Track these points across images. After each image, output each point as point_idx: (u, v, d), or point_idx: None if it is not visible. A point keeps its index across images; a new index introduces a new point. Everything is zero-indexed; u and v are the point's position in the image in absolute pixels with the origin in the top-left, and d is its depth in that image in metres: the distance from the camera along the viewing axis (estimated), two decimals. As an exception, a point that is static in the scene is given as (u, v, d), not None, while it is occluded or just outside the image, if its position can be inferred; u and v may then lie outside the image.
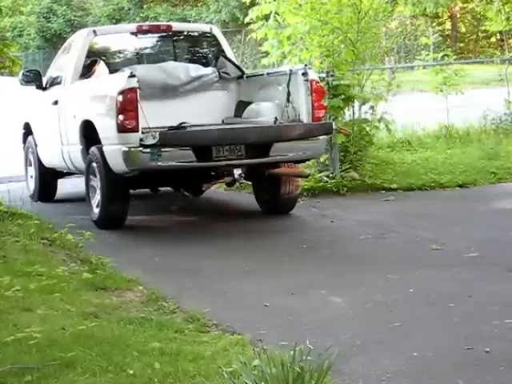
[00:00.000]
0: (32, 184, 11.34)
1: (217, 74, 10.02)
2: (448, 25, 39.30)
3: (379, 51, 13.03)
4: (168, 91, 9.69)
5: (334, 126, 9.23)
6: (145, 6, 44.25)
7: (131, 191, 9.04)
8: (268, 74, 9.89)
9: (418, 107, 16.07)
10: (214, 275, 6.93)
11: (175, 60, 10.25)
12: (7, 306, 5.53)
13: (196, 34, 10.77)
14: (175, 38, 10.53)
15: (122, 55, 10.41)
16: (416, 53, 28.41)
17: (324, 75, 10.68)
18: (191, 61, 10.32)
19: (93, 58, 9.77)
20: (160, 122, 8.66)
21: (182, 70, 9.85)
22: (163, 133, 8.28)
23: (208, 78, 9.95)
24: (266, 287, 6.47)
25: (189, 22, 36.26)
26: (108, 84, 8.92)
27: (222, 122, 9.83)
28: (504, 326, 5.22)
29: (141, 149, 8.21)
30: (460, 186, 10.71)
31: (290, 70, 9.15)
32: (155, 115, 8.59)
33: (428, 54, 16.19)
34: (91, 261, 7.03)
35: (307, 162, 9.79)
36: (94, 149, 8.85)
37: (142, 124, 8.27)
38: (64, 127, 9.82)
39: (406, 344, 4.97)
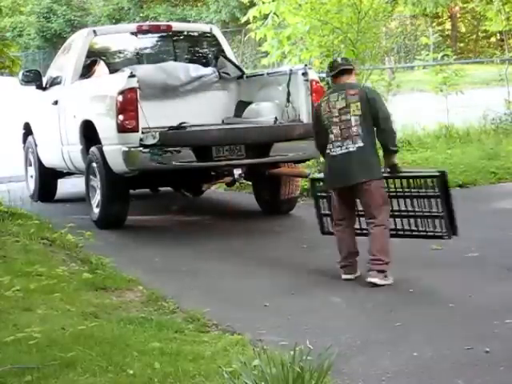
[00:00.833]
0: (32, 184, 11.34)
1: (217, 74, 10.01)
2: (448, 25, 39.28)
3: (379, 51, 13.01)
4: (168, 91, 9.69)
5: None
6: (145, 6, 44.24)
7: (131, 191, 9.04)
8: (268, 74, 9.89)
9: (418, 107, 16.05)
10: (214, 275, 6.93)
11: (175, 60, 10.24)
12: (7, 305, 5.53)
13: (196, 34, 10.77)
14: (175, 38, 10.53)
15: (122, 55, 10.40)
16: (416, 53, 28.38)
17: (324, 75, 10.67)
18: (191, 61, 10.31)
19: (93, 58, 9.76)
20: (160, 122, 8.66)
21: (182, 70, 9.85)
22: (163, 133, 8.29)
23: (208, 78, 9.95)
24: (266, 287, 6.48)
25: (189, 22, 36.22)
26: (108, 84, 8.92)
27: (222, 122, 9.83)
28: (504, 326, 5.22)
29: (141, 149, 8.21)
30: (460, 185, 10.70)
31: (290, 70, 9.15)
32: (155, 115, 8.59)
33: (428, 54, 16.19)
34: (91, 261, 7.03)
35: (307, 162, 9.79)
36: (94, 149, 8.85)
37: (141, 124, 8.27)
38: (64, 127, 9.82)
39: (406, 344, 4.97)
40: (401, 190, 6.83)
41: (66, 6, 46.72)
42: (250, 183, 10.12)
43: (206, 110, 9.82)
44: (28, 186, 11.47)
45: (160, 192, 10.06)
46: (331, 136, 6.52)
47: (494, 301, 5.82)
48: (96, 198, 8.96)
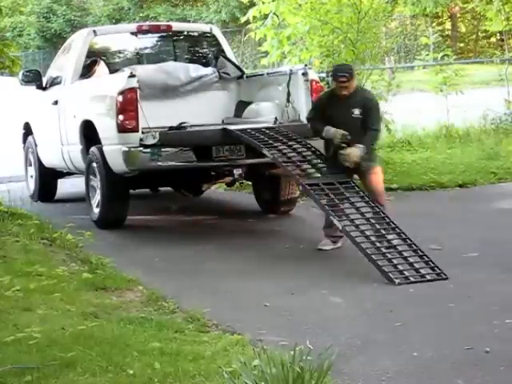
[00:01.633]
0: (32, 184, 11.33)
1: (217, 74, 10.01)
2: (448, 25, 39.27)
3: (379, 51, 13.01)
4: (168, 91, 9.68)
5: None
6: (145, 6, 44.22)
7: (131, 191, 9.04)
8: (268, 74, 9.88)
9: (418, 107, 16.05)
10: (214, 275, 6.93)
11: (175, 60, 10.24)
12: (7, 305, 5.53)
13: (196, 34, 10.76)
14: (175, 38, 10.52)
15: (122, 55, 10.40)
16: (416, 53, 28.40)
17: (324, 75, 10.68)
18: (191, 61, 10.31)
19: (93, 58, 9.76)
20: (160, 122, 8.65)
21: (182, 70, 9.84)
22: (163, 133, 8.29)
23: (208, 78, 9.94)
24: (265, 287, 6.48)
25: (189, 21, 36.22)
26: (108, 84, 8.92)
27: (222, 122, 9.83)
28: (504, 326, 5.23)
29: (141, 149, 8.21)
30: (460, 185, 10.71)
31: (290, 70, 9.15)
32: (155, 115, 8.59)
33: (428, 54, 16.20)
34: (91, 261, 7.03)
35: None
36: (94, 149, 8.85)
37: (142, 124, 8.27)
38: (64, 127, 9.82)
39: (406, 344, 4.97)
40: None
41: (66, 5, 46.72)
42: (250, 183, 10.12)
43: (206, 110, 9.81)
44: (28, 186, 11.46)
45: (160, 192, 10.06)
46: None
47: (494, 301, 5.82)
48: (96, 198, 8.96)
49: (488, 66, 23.67)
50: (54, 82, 10.46)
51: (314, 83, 8.89)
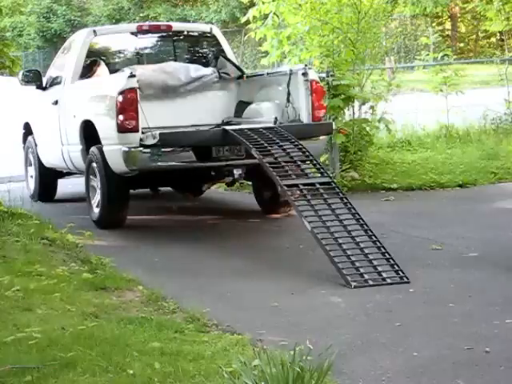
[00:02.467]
0: (32, 184, 11.33)
1: (217, 74, 10.01)
2: (448, 25, 39.31)
3: (379, 51, 13.02)
4: (168, 91, 9.69)
5: (333, 126, 9.24)
6: (145, 6, 44.25)
7: (131, 191, 9.04)
8: (268, 74, 9.88)
9: (418, 107, 16.05)
10: (214, 275, 6.93)
11: (175, 60, 10.24)
12: (7, 305, 5.53)
13: (196, 34, 10.76)
14: (175, 38, 10.52)
15: (122, 55, 10.40)
16: (416, 53, 28.41)
17: (324, 75, 10.68)
18: (191, 61, 10.31)
19: (93, 58, 9.76)
20: (160, 122, 8.66)
21: (183, 71, 9.84)
22: (163, 133, 8.29)
23: (208, 79, 9.94)
24: (265, 287, 6.48)
25: (189, 21, 36.26)
26: (108, 84, 8.92)
27: (222, 122, 9.83)
28: (504, 326, 5.22)
29: (141, 149, 8.21)
30: (460, 185, 10.72)
31: (290, 70, 9.15)
32: (155, 115, 8.59)
33: (428, 54, 16.16)
34: (91, 261, 7.03)
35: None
36: (94, 149, 8.85)
37: (142, 124, 8.27)
38: (64, 127, 9.82)
39: (406, 344, 4.97)
40: None
41: (65, 5, 46.77)
42: (250, 183, 10.12)
43: (206, 110, 9.82)
44: (28, 186, 11.46)
45: (160, 192, 10.06)
46: None
47: (493, 301, 5.82)
48: (96, 198, 8.96)
49: (488, 65, 23.64)
50: (54, 82, 10.46)
51: (314, 83, 8.89)
